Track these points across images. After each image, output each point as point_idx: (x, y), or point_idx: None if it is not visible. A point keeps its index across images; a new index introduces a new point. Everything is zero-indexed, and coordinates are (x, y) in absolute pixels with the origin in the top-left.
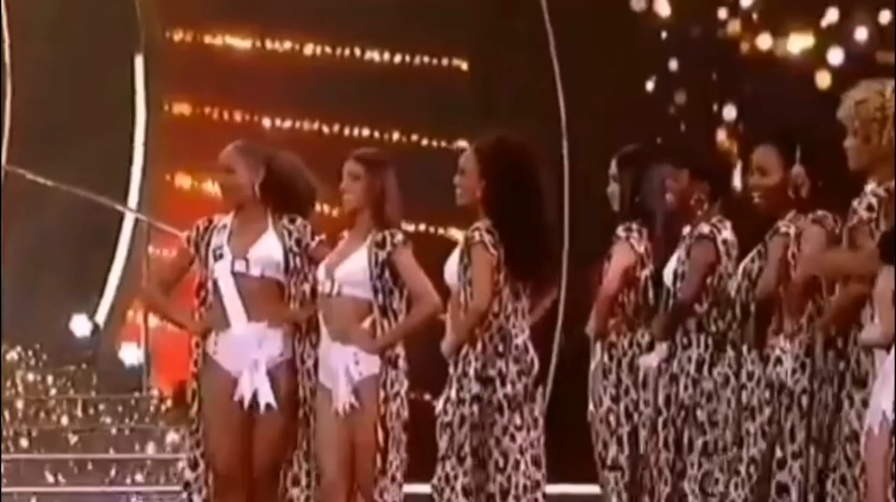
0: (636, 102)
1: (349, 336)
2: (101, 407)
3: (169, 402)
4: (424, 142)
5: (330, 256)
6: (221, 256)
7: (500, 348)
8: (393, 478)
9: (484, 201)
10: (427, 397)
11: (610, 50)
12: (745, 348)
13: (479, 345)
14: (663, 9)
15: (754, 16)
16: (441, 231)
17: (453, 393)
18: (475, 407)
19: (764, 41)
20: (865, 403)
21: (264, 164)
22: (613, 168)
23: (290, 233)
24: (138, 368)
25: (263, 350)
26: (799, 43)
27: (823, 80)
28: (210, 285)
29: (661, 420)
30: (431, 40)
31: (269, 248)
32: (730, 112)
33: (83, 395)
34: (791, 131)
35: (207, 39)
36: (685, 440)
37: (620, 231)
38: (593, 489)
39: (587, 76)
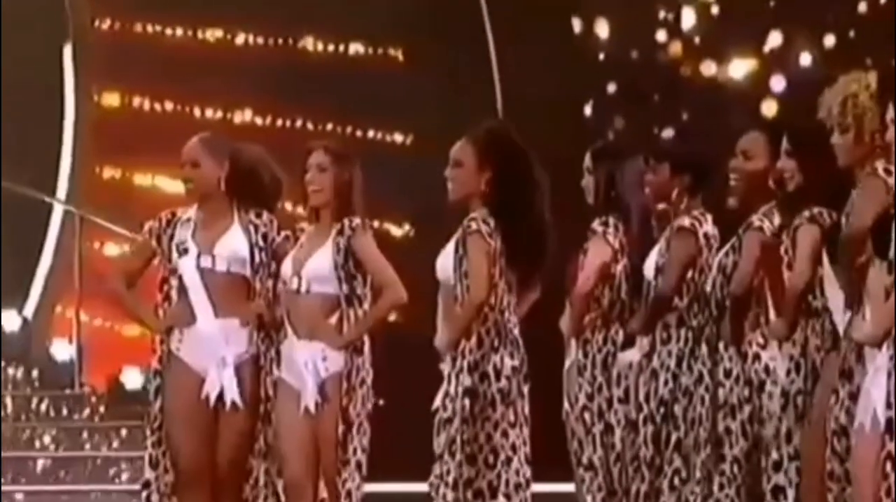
0: (575, 123)
1: (317, 333)
2: (35, 403)
3: (101, 398)
4: (359, 133)
5: (295, 252)
6: (186, 251)
7: (496, 342)
8: (358, 466)
9: (486, 193)
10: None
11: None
12: (721, 345)
13: (475, 339)
14: (602, 30)
15: (696, 39)
16: (375, 224)
17: (452, 389)
18: (466, 401)
19: (706, 66)
20: (853, 397)
21: (229, 157)
22: (588, 161)
23: (256, 228)
24: (70, 364)
25: (231, 346)
26: (741, 68)
27: (769, 108)
28: (174, 281)
29: (641, 416)
30: (367, 30)
31: (235, 243)
32: (669, 136)
33: (16, 392)
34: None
35: (137, 28)
36: (663, 436)
37: (596, 225)
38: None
39: (524, 68)
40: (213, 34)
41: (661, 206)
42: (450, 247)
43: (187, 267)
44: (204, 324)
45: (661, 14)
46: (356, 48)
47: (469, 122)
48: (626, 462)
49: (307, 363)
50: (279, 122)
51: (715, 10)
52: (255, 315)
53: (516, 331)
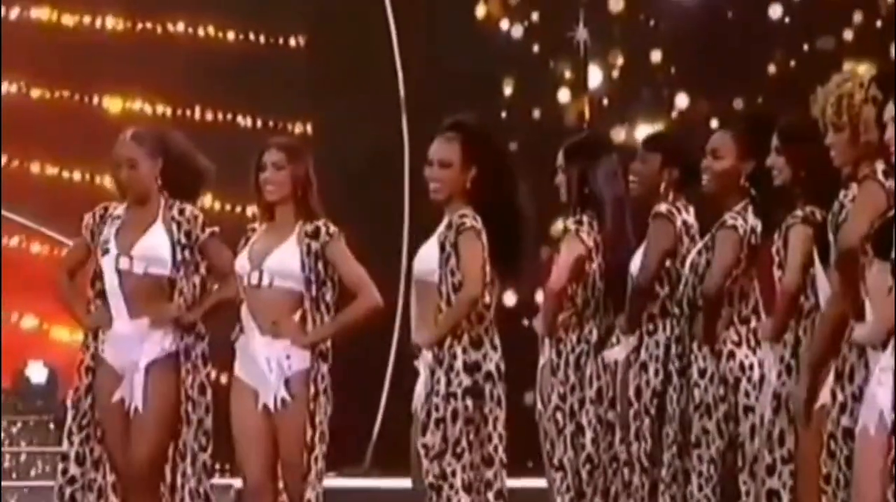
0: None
1: (280, 330)
2: None
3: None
4: (260, 122)
5: (251, 247)
6: (108, 251)
7: (495, 340)
8: (319, 476)
9: (471, 191)
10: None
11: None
12: (695, 345)
13: (466, 337)
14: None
15: (604, 101)
16: None
17: (442, 388)
18: (468, 401)
19: (615, 132)
20: (855, 398)
21: (161, 149)
22: (560, 159)
23: (178, 226)
24: None
25: (143, 350)
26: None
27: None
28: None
29: (632, 411)
30: (269, 18)
31: (154, 244)
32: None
33: None
34: (758, 121)
35: (35, 15)
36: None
37: (570, 223)
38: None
39: (426, 52)
40: (114, 22)
41: (662, 207)
42: (432, 243)
43: (107, 267)
44: (119, 325)
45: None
46: (257, 36)
47: (371, 112)
48: (600, 463)
49: (269, 360)
50: (179, 113)
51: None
52: (170, 316)
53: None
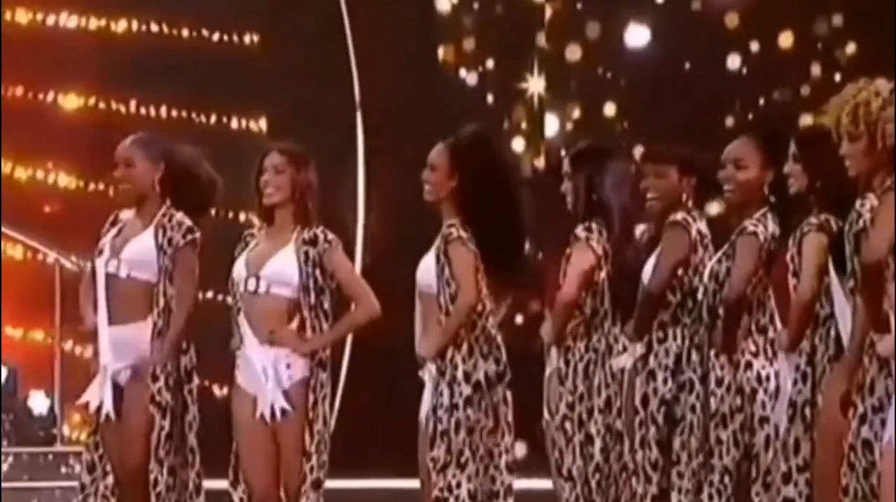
0: (431, 74)
1: (279, 337)
2: None
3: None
4: (213, 119)
5: (248, 253)
6: (101, 253)
7: (485, 349)
8: (316, 484)
9: (455, 197)
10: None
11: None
12: (712, 353)
13: (466, 347)
14: None
15: (561, 151)
16: (231, 215)
17: (445, 400)
18: (469, 411)
19: None
20: (875, 410)
21: (164, 158)
22: (567, 166)
23: (164, 231)
24: None
25: (116, 357)
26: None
27: None
28: None
29: (637, 419)
30: (222, 16)
31: (140, 249)
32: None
33: None
34: (775, 129)
35: None
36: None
37: (580, 231)
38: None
39: (381, 47)
40: (68, 19)
41: (678, 215)
42: (430, 256)
43: (99, 270)
44: (102, 331)
45: None
46: (211, 33)
47: (325, 110)
48: (610, 472)
49: (266, 369)
50: (133, 110)
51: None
52: (150, 321)
53: (499, 338)
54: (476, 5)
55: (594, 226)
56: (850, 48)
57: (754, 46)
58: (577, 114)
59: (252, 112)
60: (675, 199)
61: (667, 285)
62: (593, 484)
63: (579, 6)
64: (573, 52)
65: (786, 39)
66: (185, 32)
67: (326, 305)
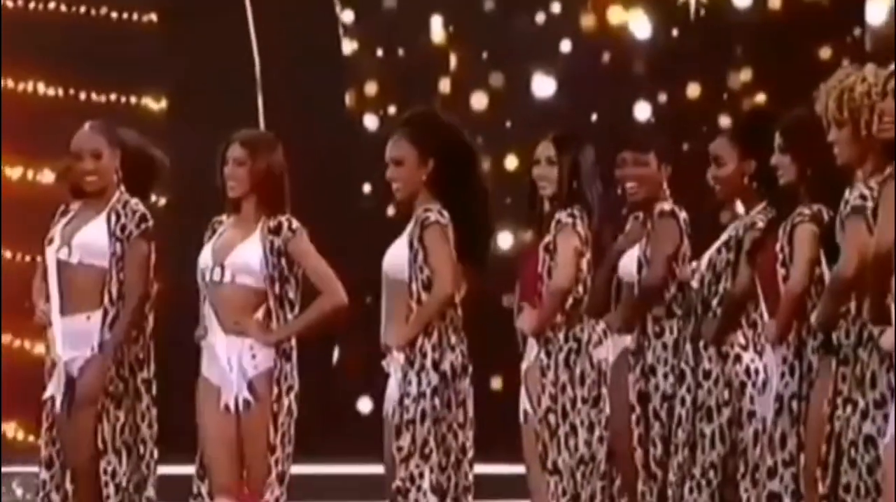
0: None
1: (243, 327)
2: None
3: None
4: (113, 97)
5: (213, 242)
6: (51, 242)
7: (453, 340)
8: (281, 477)
9: (433, 183)
10: None
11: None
12: (700, 345)
13: (436, 336)
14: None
15: None
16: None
17: (413, 389)
18: (436, 401)
19: None
20: (878, 405)
21: (118, 142)
22: (549, 150)
23: (118, 218)
24: None
25: (71, 345)
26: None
27: None
28: None
29: (633, 417)
30: None
31: (92, 234)
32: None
33: None
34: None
35: None
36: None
37: (564, 217)
38: None
39: (280, 27)
40: None
41: (666, 206)
42: (401, 242)
43: (50, 258)
44: (55, 320)
45: None
46: (109, 12)
47: (225, 89)
48: (594, 463)
49: (230, 359)
50: (31, 89)
51: None
52: (101, 311)
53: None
54: (380, 51)
55: (576, 211)
56: (759, 98)
57: (662, 97)
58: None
59: (152, 91)
60: (656, 187)
61: (666, 277)
62: (578, 476)
63: (485, 55)
64: (479, 101)
65: (694, 90)
66: (83, 10)
67: (292, 294)
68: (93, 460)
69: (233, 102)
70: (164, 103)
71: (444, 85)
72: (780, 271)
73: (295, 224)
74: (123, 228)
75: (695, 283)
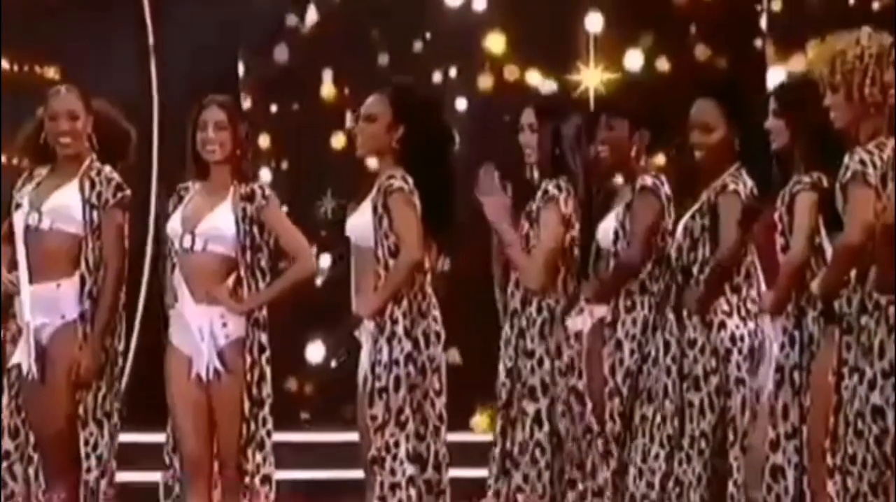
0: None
1: (215, 295)
2: None
3: None
4: (6, 66)
5: (183, 209)
6: (19, 206)
7: (423, 307)
8: (260, 445)
9: (398, 150)
10: None
11: None
12: (684, 313)
13: (405, 303)
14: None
15: None
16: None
17: (384, 356)
18: (410, 368)
19: None
20: (886, 375)
21: (91, 107)
22: (531, 117)
23: (92, 185)
24: None
25: (41, 312)
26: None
27: None
28: None
29: (607, 390)
30: None
31: (64, 200)
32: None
33: None
34: (734, 85)
35: None
36: (627, 410)
37: (551, 187)
38: None
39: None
40: None
41: (647, 180)
42: (365, 208)
43: (18, 223)
44: (23, 288)
45: None
46: None
47: (119, 57)
48: (570, 435)
49: (202, 328)
50: None
51: None
52: (75, 278)
53: (433, 297)
54: (274, 107)
55: (562, 182)
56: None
57: None
58: None
59: (46, 58)
60: (624, 153)
61: (646, 254)
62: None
63: None
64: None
65: None
66: None
67: (263, 263)
68: (63, 431)
69: (125, 71)
70: (55, 70)
71: (338, 140)
72: (779, 240)
73: (268, 191)
74: (99, 196)
75: (672, 252)
